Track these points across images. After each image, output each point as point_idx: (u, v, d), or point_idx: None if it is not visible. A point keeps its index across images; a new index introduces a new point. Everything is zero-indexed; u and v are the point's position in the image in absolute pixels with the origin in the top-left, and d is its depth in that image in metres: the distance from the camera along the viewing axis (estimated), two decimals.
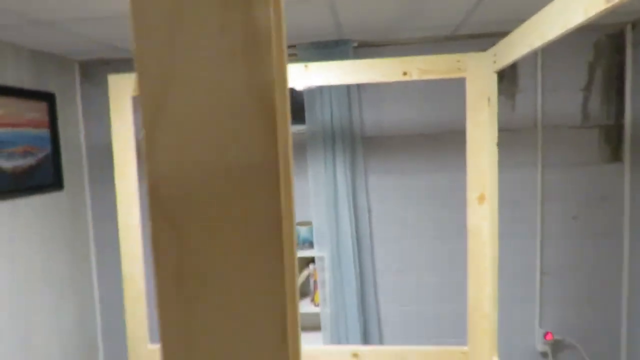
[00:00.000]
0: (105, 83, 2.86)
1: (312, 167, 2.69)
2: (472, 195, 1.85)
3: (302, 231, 2.70)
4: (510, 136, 2.70)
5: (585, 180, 2.70)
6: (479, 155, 1.82)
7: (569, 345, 2.75)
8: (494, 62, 1.66)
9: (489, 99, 1.74)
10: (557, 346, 2.75)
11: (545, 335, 2.68)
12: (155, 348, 2.09)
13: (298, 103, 2.74)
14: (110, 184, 2.86)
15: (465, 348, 2.03)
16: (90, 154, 2.93)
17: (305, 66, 1.85)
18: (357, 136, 2.70)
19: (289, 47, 2.71)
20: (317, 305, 2.64)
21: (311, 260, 2.69)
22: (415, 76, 1.80)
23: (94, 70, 2.87)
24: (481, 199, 1.84)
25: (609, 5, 0.85)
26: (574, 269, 2.74)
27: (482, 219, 1.84)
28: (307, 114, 2.69)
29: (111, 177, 2.86)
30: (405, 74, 1.82)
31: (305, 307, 2.65)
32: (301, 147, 2.76)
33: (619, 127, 2.66)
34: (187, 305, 0.30)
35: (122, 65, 2.84)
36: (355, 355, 2.01)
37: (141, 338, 2.02)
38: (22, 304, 2.41)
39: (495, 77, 1.70)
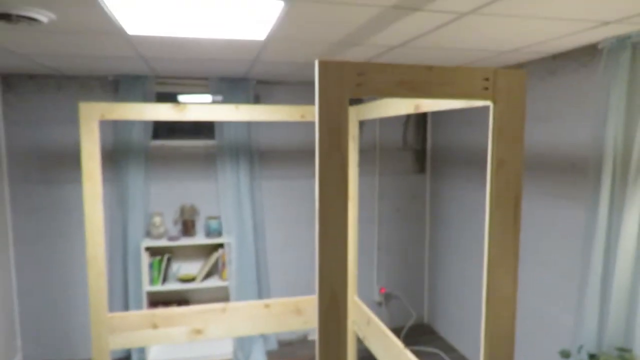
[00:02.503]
0: (28, 94, 3.19)
1: (221, 173, 3.48)
2: None
3: (213, 224, 3.46)
4: (359, 154, 3.89)
5: (404, 184, 4.05)
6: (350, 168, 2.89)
7: (394, 296, 4.08)
8: (357, 114, 2.74)
9: (354, 137, 2.83)
10: (387, 297, 4.05)
11: (380, 290, 3.96)
12: (113, 315, 2.66)
13: (209, 123, 3.49)
14: (30, 184, 3.21)
15: None
16: (10, 157, 3.20)
17: (236, 107, 2.68)
18: (254, 150, 3.58)
19: (201, 79, 3.45)
20: (224, 280, 3.43)
21: (219, 246, 3.48)
22: (309, 118, 2.78)
23: (18, 83, 3.18)
24: (350, 199, 2.91)
25: (418, 110, 1.96)
26: (397, 244, 4.07)
27: (349, 211, 2.92)
28: (216, 132, 3.47)
29: (31, 177, 3.21)
30: (302, 116, 2.79)
31: (216, 282, 3.43)
32: (211, 157, 3.53)
33: (423, 150, 4.08)
34: None
35: (45, 80, 3.20)
36: (267, 305, 2.91)
37: (103, 307, 2.58)
38: None
39: (358, 124, 2.78)
